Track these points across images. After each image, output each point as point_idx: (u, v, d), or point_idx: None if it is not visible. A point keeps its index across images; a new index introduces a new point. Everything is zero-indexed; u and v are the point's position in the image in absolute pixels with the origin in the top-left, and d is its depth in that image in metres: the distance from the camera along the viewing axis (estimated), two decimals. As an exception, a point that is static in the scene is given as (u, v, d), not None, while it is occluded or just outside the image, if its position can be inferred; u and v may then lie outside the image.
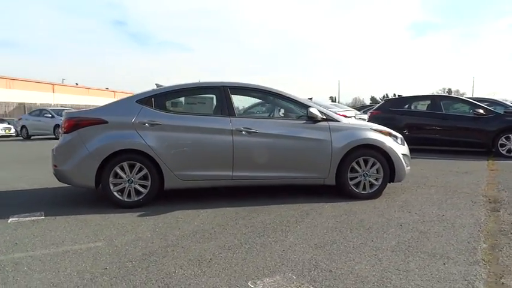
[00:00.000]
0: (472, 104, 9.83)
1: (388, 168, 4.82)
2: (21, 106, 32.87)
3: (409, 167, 5.12)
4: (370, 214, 4.12)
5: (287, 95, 4.91)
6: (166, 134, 4.47)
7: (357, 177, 4.78)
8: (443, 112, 9.74)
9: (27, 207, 4.56)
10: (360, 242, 3.27)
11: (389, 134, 4.95)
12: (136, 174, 4.43)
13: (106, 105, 4.80)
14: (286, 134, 4.64)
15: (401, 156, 4.86)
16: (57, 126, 17.45)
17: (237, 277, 2.61)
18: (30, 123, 19.69)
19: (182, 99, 4.99)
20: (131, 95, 5.13)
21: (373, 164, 4.79)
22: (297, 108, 4.87)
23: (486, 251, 3.08)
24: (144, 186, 4.46)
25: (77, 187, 4.77)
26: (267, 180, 4.69)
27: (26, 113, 24.75)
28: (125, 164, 4.41)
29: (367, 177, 4.78)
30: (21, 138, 20.18)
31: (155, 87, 5.01)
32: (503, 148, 8.89)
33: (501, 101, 13.59)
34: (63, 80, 51.45)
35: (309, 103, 4.84)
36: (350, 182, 4.77)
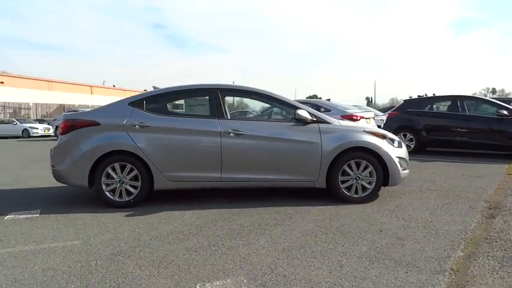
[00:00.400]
0: (497, 104, 9.34)
1: (382, 171, 4.68)
2: (61, 107, 34.49)
3: (407, 171, 4.94)
4: (354, 218, 4.02)
5: (277, 97, 4.88)
6: (155, 136, 4.56)
7: (349, 180, 4.67)
8: (464, 113, 9.32)
9: (28, 205, 4.79)
10: (329, 247, 3.20)
11: (384, 137, 4.80)
12: (127, 174, 4.55)
13: (101, 107, 4.96)
14: (274, 136, 4.61)
15: (395, 160, 4.70)
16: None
17: (189, 279, 2.63)
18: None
19: (173, 101, 5.07)
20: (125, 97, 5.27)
21: (366, 167, 4.66)
22: (287, 110, 4.83)
23: (459, 259, 2.93)
24: (134, 187, 4.57)
25: (73, 186, 4.94)
26: (256, 182, 4.68)
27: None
28: (117, 165, 4.54)
29: (359, 181, 4.67)
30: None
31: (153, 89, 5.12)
32: (528, 151, 8.40)
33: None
34: (104, 82, 53.67)
35: (298, 105, 4.78)
36: (341, 185, 4.67)
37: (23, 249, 3.28)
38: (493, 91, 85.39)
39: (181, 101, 5.14)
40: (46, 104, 34.28)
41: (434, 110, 10.15)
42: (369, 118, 11.08)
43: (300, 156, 4.60)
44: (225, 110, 4.75)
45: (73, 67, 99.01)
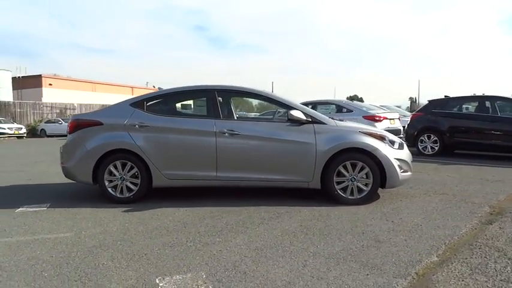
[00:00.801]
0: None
1: (379, 173, 4.59)
2: (104, 107, 36.09)
3: (408, 173, 4.82)
4: (342, 220, 3.99)
5: (272, 97, 4.92)
6: (153, 135, 4.74)
7: (344, 181, 4.63)
8: (495, 114, 8.87)
9: (40, 199, 5.12)
10: (302, 247, 3.21)
11: (382, 138, 4.70)
12: (128, 172, 4.77)
13: (105, 108, 5.21)
14: (269, 136, 4.65)
15: (393, 161, 4.60)
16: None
17: (152, 272, 2.74)
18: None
19: (172, 102, 5.22)
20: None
21: (362, 169, 4.60)
22: (283, 110, 4.85)
23: (431, 264, 2.86)
24: (135, 184, 4.78)
25: (80, 183, 5.22)
26: (250, 181, 4.74)
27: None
28: (118, 163, 4.77)
29: (355, 182, 4.61)
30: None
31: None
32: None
33: None
34: (147, 83, 55.54)
35: (294, 105, 4.77)
36: (337, 187, 4.63)
37: (19, 239, 3.54)
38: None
39: (179, 102, 5.28)
40: (90, 104, 35.90)
41: (460, 111, 9.72)
42: (393, 119, 10.82)
43: (294, 156, 4.61)
44: (221, 111, 4.83)
45: (119, 69, 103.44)
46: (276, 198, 4.89)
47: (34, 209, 4.65)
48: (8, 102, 30.14)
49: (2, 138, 23.69)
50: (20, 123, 26.96)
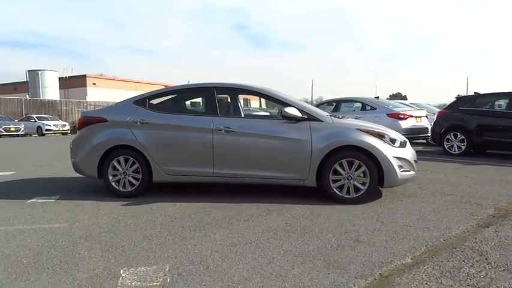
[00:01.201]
0: None
1: (377, 172, 4.47)
2: (143, 106, 37.32)
3: (409, 172, 4.65)
4: (330, 219, 3.93)
5: (270, 94, 4.91)
6: (154, 132, 4.88)
7: (341, 180, 4.54)
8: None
9: (52, 191, 5.43)
10: (276, 245, 3.21)
11: (380, 135, 4.57)
12: (130, 167, 4.94)
13: (110, 105, 5.42)
14: (264, 133, 4.65)
15: (392, 160, 4.46)
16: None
17: (120, 263, 2.85)
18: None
19: (172, 99, 5.34)
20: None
21: (359, 167, 4.49)
22: (280, 107, 4.84)
23: (400, 266, 2.76)
24: (136, 179, 4.95)
25: (87, 177, 5.47)
26: (247, 178, 4.76)
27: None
28: (121, 158, 4.95)
29: (351, 181, 4.51)
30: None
31: None
32: None
33: None
34: (188, 81, 56.97)
35: (290, 102, 4.74)
36: (333, 185, 4.55)
37: (17, 228, 3.78)
38: None
39: (179, 99, 5.38)
40: (130, 102, 37.40)
41: (492, 108, 9.19)
42: (419, 117, 10.46)
43: (289, 153, 4.59)
44: (219, 108, 4.88)
45: (160, 68, 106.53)
46: (273, 195, 4.88)
47: (43, 200, 4.93)
48: (55, 100, 31.93)
49: (48, 135, 25.18)
50: (65, 121, 28.49)
